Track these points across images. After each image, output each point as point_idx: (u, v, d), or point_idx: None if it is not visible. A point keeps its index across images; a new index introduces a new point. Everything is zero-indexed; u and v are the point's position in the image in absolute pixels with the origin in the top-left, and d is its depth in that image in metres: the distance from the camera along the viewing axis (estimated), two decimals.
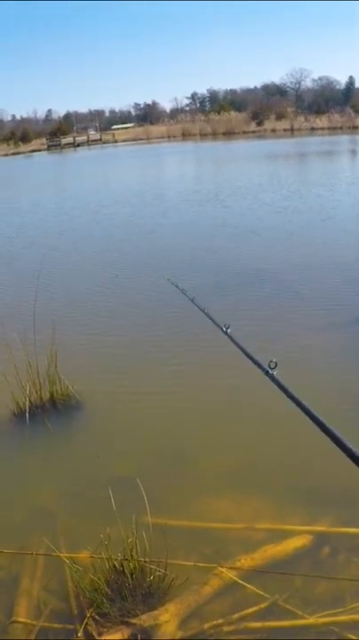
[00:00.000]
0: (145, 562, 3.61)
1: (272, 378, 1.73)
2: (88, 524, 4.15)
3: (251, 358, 1.90)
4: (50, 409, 5.89)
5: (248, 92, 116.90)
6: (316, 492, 4.34)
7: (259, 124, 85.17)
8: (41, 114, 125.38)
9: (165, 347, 7.31)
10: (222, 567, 3.62)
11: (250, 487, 4.52)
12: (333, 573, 3.58)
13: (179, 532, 4.02)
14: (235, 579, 3.55)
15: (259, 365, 1.89)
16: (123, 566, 3.58)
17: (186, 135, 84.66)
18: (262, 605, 3.38)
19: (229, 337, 2.29)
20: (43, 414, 5.81)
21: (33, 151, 79.90)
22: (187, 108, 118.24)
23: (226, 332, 2.54)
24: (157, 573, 3.57)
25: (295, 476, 4.57)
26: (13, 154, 77.44)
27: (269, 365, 1.75)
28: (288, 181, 24.44)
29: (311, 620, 3.27)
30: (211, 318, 2.71)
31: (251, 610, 3.35)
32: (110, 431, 5.52)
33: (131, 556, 3.59)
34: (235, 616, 3.32)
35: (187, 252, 12.86)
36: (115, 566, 3.60)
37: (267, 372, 1.83)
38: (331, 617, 3.27)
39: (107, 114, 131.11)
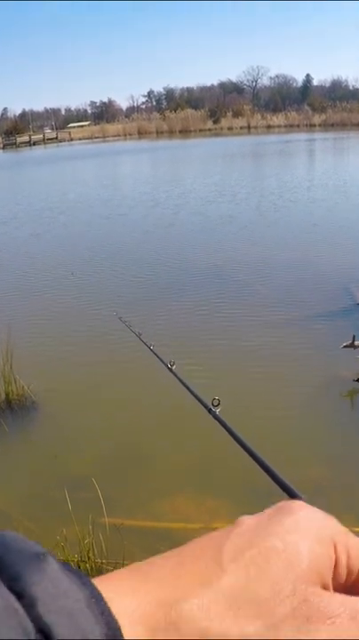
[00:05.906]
0: (102, 563, 3.59)
1: (214, 415, 1.73)
2: (44, 525, 4.09)
3: (195, 395, 1.89)
4: (5, 409, 5.83)
5: (205, 89, 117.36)
6: (274, 490, 4.31)
7: (216, 121, 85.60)
8: None
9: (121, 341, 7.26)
10: None
11: (207, 486, 4.51)
12: None
13: (137, 533, 3.99)
14: None
15: (202, 403, 1.90)
16: (79, 568, 3.54)
17: (142, 133, 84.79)
18: None
19: (174, 374, 2.30)
20: None
21: None
22: (144, 106, 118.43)
23: (170, 369, 2.57)
24: None
25: (252, 475, 4.54)
26: None
27: (212, 403, 1.76)
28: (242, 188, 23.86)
29: None
30: (156, 355, 2.73)
31: None
32: (67, 431, 5.47)
33: (89, 557, 3.57)
34: None
35: None
36: None
37: (209, 410, 1.84)
38: None
39: (64, 112, 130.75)
